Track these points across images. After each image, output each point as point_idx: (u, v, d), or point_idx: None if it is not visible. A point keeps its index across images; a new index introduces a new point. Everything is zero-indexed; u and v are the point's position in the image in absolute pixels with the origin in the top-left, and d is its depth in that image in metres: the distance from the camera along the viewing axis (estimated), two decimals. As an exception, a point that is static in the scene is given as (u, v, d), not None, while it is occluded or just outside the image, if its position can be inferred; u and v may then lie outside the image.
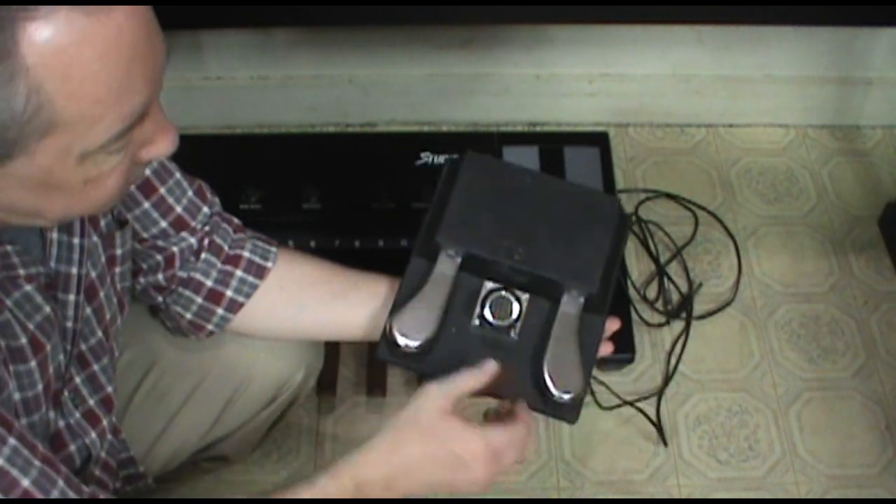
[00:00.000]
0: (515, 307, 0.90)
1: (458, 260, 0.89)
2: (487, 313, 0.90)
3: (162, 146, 0.72)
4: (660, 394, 1.55)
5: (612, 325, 0.94)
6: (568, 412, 0.88)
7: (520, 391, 0.89)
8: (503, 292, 0.90)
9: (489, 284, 0.91)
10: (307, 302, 1.01)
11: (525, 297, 0.91)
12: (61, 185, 0.67)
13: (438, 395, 0.84)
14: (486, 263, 0.90)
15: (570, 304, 0.89)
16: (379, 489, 0.83)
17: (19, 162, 0.64)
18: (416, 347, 0.87)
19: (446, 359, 0.88)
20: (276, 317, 1.02)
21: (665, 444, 1.50)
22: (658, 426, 1.51)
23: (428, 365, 0.89)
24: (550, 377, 0.86)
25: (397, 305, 0.90)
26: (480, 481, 0.85)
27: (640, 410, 1.53)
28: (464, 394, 0.85)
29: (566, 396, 0.86)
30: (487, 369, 0.87)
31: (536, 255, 0.89)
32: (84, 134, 0.64)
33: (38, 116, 0.61)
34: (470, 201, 0.91)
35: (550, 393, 0.86)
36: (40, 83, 0.60)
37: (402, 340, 0.87)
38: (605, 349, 0.94)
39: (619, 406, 1.53)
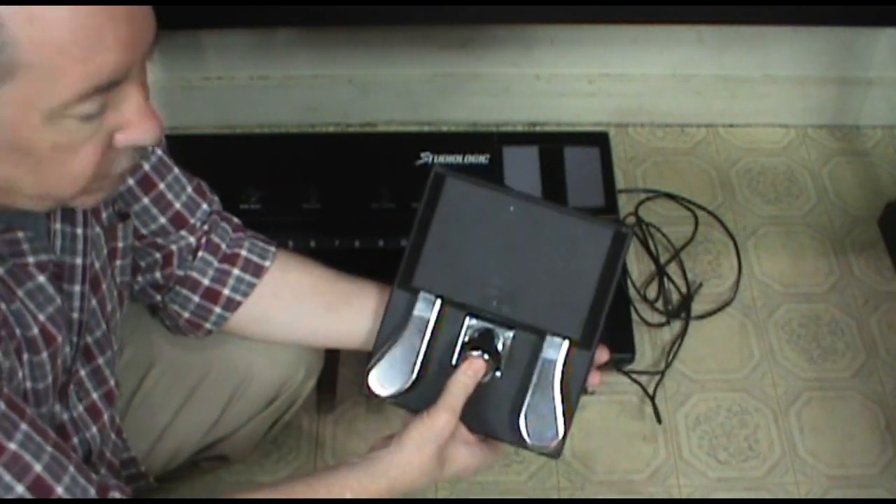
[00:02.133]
0: (498, 344, 0.88)
1: (438, 301, 0.88)
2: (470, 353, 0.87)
3: (139, 132, 0.70)
4: (661, 376, 1.56)
5: (601, 356, 0.91)
6: (550, 452, 0.88)
7: (500, 430, 0.89)
8: (479, 351, 0.86)
9: (471, 321, 0.88)
10: (300, 312, 1.02)
11: (510, 333, 0.88)
12: (29, 148, 0.66)
13: (449, 418, 0.84)
14: (466, 307, 0.88)
15: (553, 349, 0.87)
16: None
17: None
18: (393, 395, 0.87)
19: (427, 397, 0.86)
20: (269, 323, 1.02)
21: (659, 420, 1.51)
22: (653, 400, 1.52)
23: (410, 402, 0.89)
24: (528, 429, 0.86)
25: (376, 351, 0.89)
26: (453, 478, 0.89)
27: (635, 380, 1.54)
28: (461, 400, 0.84)
29: (543, 444, 0.86)
30: (472, 365, 0.85)
31: (518, 300, 0.86)
32: (47, 86, 0.63)
33: (0, 54, 0.60)
34: (448, 239, 0.88)
35: (527, 443, 0.86)
36: (3, 21, 0.60)
37: (379, 391, 0.87)
38: (593, 380, 0.92)
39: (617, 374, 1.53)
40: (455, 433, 0.85)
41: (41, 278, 0.78)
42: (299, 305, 1.01)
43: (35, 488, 0.71)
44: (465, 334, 0.89)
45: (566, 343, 0.87)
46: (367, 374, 0.87)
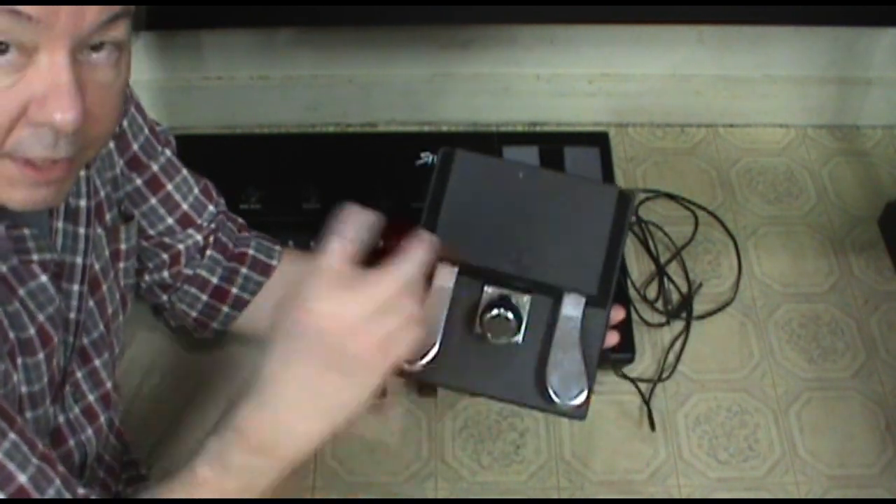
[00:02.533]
0: (514, 322, 0.89)
1: (456, 269, 0.89)
2: (487, 333, 0.88)
3: (49, 110, 0.64)
4: (657, 381, 1.56)
5: (617, 314, 0.92)
6: (576, 413, 0.88)
7: (525, 396, 0.88)
8: (502, 310, 0.88)
9: (489, 290, 0.90)
10: None
11: (527, 298, 0.90)
12: None
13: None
14: (485, 270, 0.89)
15: (571, 306, 0.88)
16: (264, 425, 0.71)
17: None
18: (418, 367, 0.86)
19: (449, 369, 0.88)
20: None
21: (652, 427, 1.51)
22: (647, 404, 1.53)
23: (432, 376, 0.88)
24: (554, 386, 0.86)
25: None
26: (366, 377, 0.70)
27: (636, 384, 1.54)
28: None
29: (571, 403, 0.86)
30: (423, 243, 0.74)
31: (533, 261, 0.88)
32: None
33: None
34: (462, 208, 0.90)
35: (556, 400, 0.86)
36: None
37: (405, 365, 0.85)
38: (611, 339, 0.93)
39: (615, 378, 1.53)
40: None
41: (43, 278, 0.78)
42: None
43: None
44: (484, 301, 0.89)
45: (583, 300, 0.88)
46: None
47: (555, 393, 0.86)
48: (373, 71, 1.80)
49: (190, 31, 1.71)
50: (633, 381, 1.56)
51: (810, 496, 1.46)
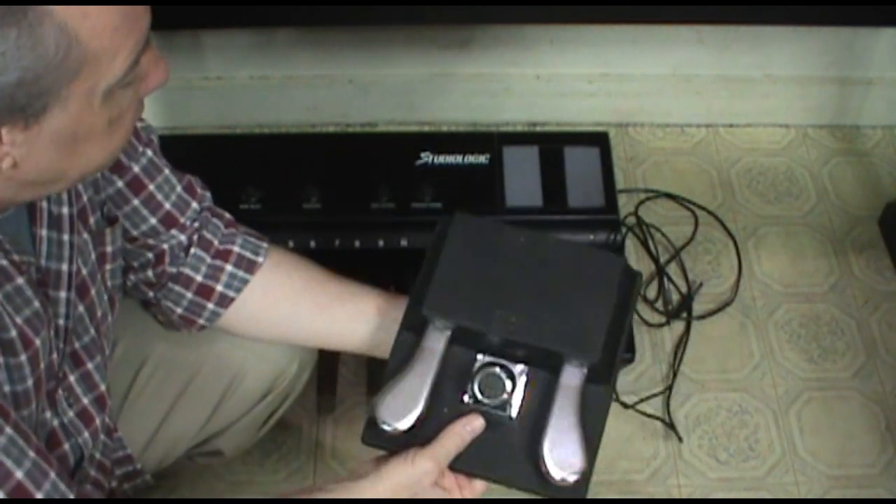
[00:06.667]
0: (509, 383, 0.83)
1: (448, 333, 0.84)
2: (479, 390, 0.83)
3: (160, 75, 0.73)
4: (668, 392, 1.55)
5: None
6: (573, 493, 0.82)
7: (516, 475, 0.83)
8: (497, 368, 0.83)
9: (482, 357, 0.84)
10: (291, 311, 1.02)
11: (521, 369, 0.84)
12: (90, 133, 0.69)
13: (433, 468, 0.82)
14: (478, 335, 0.83)
15: (571, 376, 0.82)
16: None
17: (54, 114, 0.66)
18: (402, 432, 0.82)
19: (433, 438, 0.82)
20: (260, 322, 1.02)
21: (680, 439, 1.50)
22: (671, 425, 1.51)
23: (417, 440, 0.83)
24: (551, 459, 0.81)
25: (382, 386, 0.84)
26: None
27: (650, 415, 1.53)
28: (451, 454, 0.83)
29: (570, 479, 0.80)
30: (471, 422, 0.83)
31: (532, 325, 0.82)
32: (108, 67, 0.66)
33: (69, 57, 0.63)
34: (458, 268, 0.85)
35: (551, 477, 0.80)
36: (64, 23, 0.62)
37: (387, 426, 0.81)
38: None
39: (626, 408, 1.53)
40: (435, 480, 0.83)
41: (20, 280, 0.78)
42: (291, 304, 1.01)
43: (15, 495, 0.71)
44: (477, 373, 0.84)
45: (584, 370, 0.83)
46: (374, 406, 0.83)
47: (551, 467, 0.80)
48: (373, 71, 1.80)
49: (190, 31, 1.71)
50: (645, 413, 1.54)
51: (810, 496, 1.46)
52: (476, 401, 0.84)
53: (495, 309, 0.82)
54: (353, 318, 0.99)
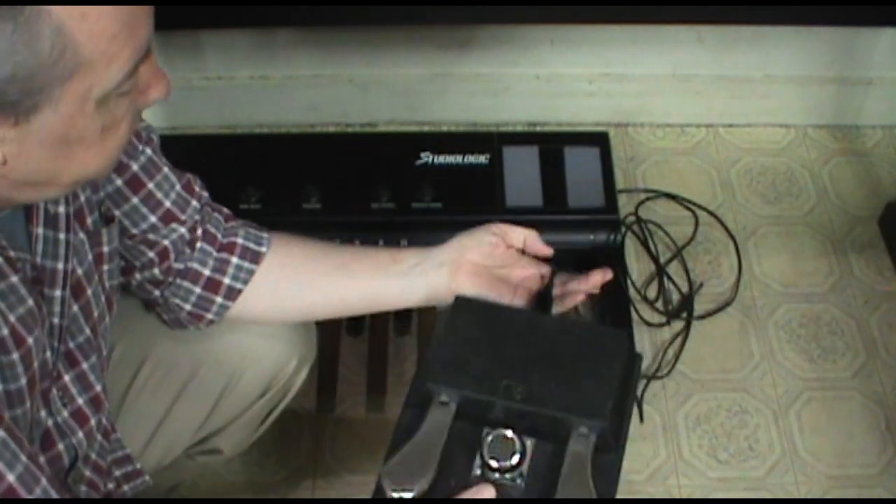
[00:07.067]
0: (518, 450, 0.83)
1: (454, 407, 0.83)
2: (488, 458, 0.82)
3: (160, 89, 0.74)
4: (651, 378, 1.56)
5: (605, 274, 0.92)
6: None
7: None
8: (507, 431, 0.83)
9: (490, 431, 0.83)
10: (309, 276, 1.02)
11: (529, 441, 0.84)
12: (81, 137, 0.69)
13: None
14: (485, 406, 0.83)
15: (580, 443, 0.81)
16: None
17: (45, 114, 0.65)
18: (408, 498, 0.79)
19: None
20: (278, 296, 1.02)
21: (641, 419, 1.51)
22: (639, 403, 1.52)
23: None
24: None
25: (388, 457, 0.83)
26: None
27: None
28: None
29: None
30: (481, 492, 0.81)
31: (538, 393, 0.82)
32: (103, 73, 0.66)
33: (63, 58, 0.63)
34: (462, 342, 0.85)
35: None
36: (61, 23, 0.62)
37: (395, 494, 0.79)
38: (577, 298, 0.93)
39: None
40: None
41: (14, 278, 0.77)
42: (306, 270, 1.02)
43: (6, 497, 0.71)
44: (486, 438, 0.84)
45: (594, 437, 0.82)
46: (381, 476, 0.81)
47: None
48: (373, 71, 1.80)
49: (190, 31, 1.71)
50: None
51: (810, 496, 1.46)
52: (486, 469, 0.83)
53: (501, 379, 0.83)
54: (373, 271, 0.99)
